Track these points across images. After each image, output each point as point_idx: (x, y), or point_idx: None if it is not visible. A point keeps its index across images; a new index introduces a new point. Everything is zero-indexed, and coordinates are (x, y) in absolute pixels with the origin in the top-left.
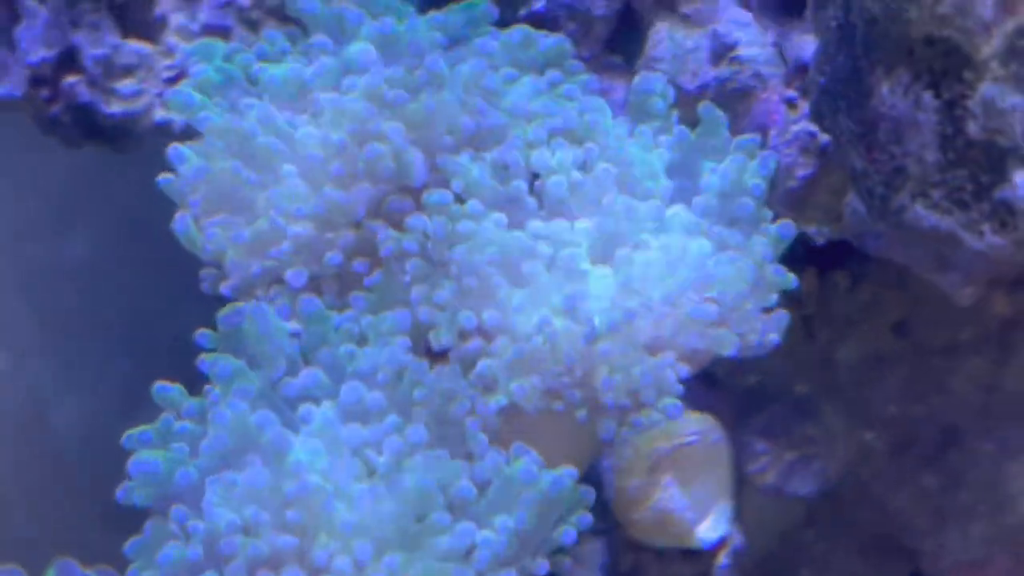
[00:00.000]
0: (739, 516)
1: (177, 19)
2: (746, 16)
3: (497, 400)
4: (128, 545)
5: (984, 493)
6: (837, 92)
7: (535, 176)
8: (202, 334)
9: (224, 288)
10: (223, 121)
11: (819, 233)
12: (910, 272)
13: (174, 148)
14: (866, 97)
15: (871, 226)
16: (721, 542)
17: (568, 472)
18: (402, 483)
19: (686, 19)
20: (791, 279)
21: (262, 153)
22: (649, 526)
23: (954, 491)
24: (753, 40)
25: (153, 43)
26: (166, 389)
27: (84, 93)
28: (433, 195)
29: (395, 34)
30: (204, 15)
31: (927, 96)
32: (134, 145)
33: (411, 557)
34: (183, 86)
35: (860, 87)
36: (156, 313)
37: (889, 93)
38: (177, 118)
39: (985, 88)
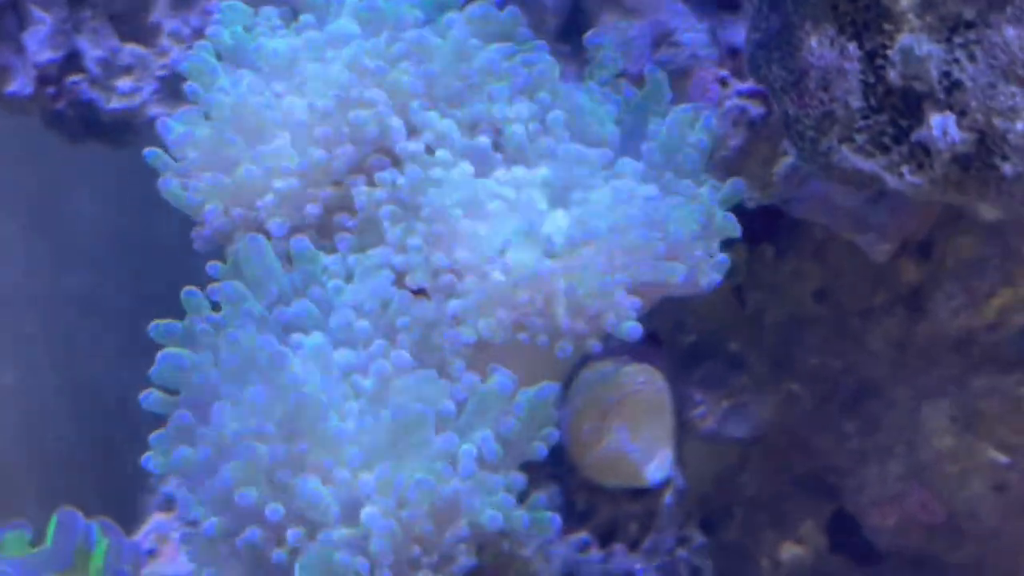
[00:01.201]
0: (680, 459)
1: (170, 24)
2: (683, 7)
3: (467, 334)
4: (152, 436)
5: (899, 434)
6: (771, 45)
7: (498, 133)
8: (212, 265)
9: (205, 231)
10: (230, 94)
11: (750, 199)
12: (828, 244)
13: (162, 121)
14: (797, 49)
15: (796, 188)
16: (666, 482)
17: (548, 387)
18: (389, 401)
19: (629, 12)
20: (737, 226)
21: (251, 118)
22: (602, 467)
23: (872, 434)
24: (689, 27)
25: (148, 46)
26: (192, 293)
27: (86, 91)
28: (407, 146)
29: (379, 9)
30: (194, 21)
31: (851, 46)
32: (131, 139)
33: (399, 464)
34: (199, 49)
35: (791, 40)
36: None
37: (817, 45)
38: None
39: (903, 38)
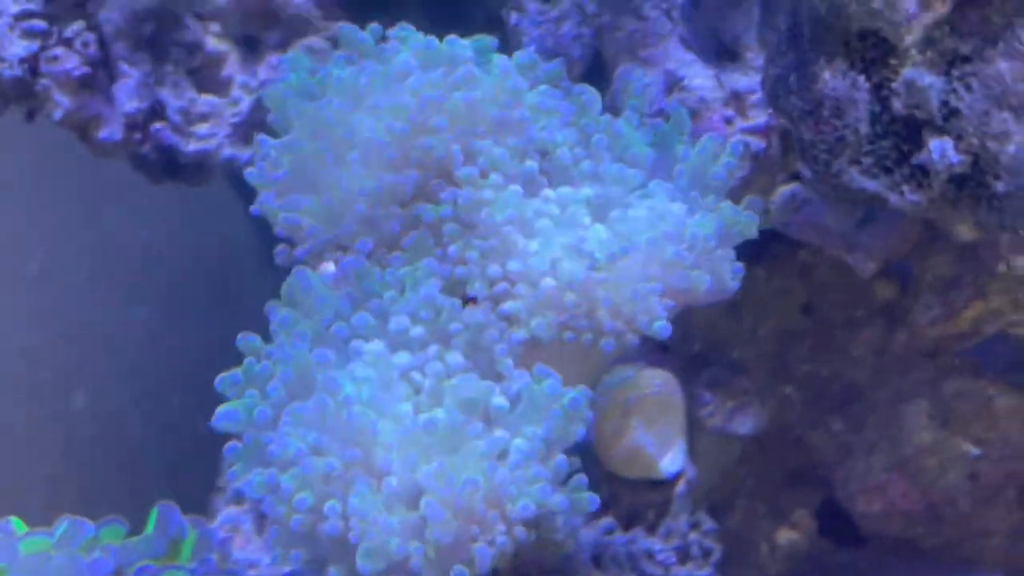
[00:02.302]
0: (691, 453)
1: (241, 79)
2: (691, 57)
3: (520, 333)
4: (227, 448)
5: (882, 431)
6: (789, 78)
7: (544, 157)
8: (271, 305)
9: (298, 252)
10: (312, 107)
11: None
12: (813, 264)
13: (261, 137)
14: (813, 81)
15: (791, 214)
16: (679, 474)
17: (584, 391)
18: (443, 400)
19: (644, 61)
20: (755, 227)
21: (337, 140)
22: (623, 460)
23: (858, 432)
24: (697, 74)
25: (222, 96)
26: (249, 338)
27: (168, 136)
28: (463, 171)
29: (436, 48)
30: (262, 74)
31: (861, 79)
32: (206, 179)
33: (453, 460)
34: (276, 86)
35: (808, 73)
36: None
37: (831, 77)
38: (241, 154)
39: (907, 71)
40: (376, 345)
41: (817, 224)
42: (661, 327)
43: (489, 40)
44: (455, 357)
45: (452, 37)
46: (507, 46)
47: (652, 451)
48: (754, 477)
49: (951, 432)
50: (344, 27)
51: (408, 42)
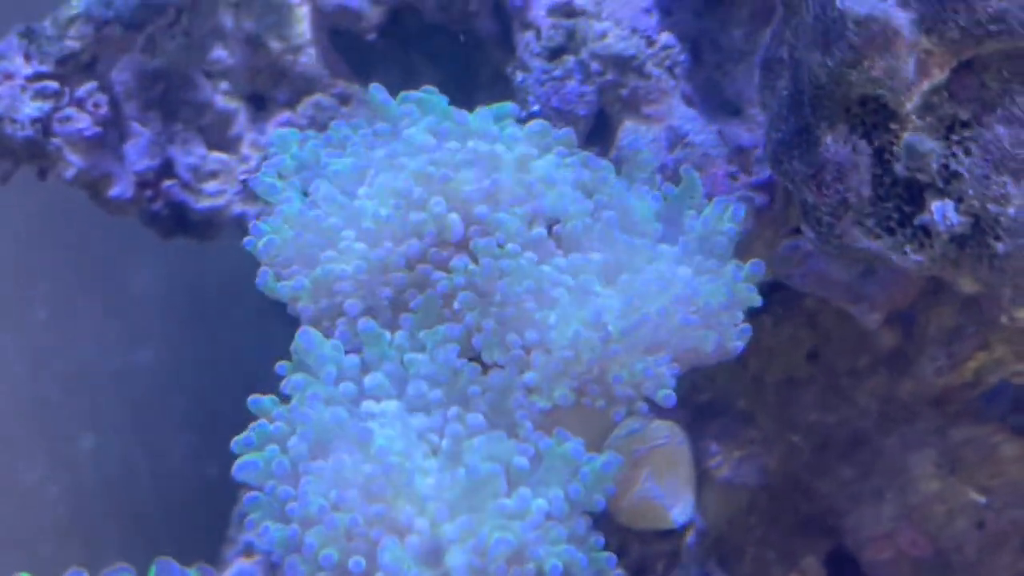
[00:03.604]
0: (700, 503)
1: (250, 136)
2: (693, 113)
3: (542, 402)
4: (246, 498)
5: (890, 479)
6: (792, 143)
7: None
8: (280, 365)
9: (302, 321)
10: (295, 210)
11: None
12: (819, 313)
13: (254, 225)
14: (815, 146)
15: (796, 266)
16: (688, 524)
17: (613, 459)
18: (466, 459)
19: (647, 118)
20: (757, 297)
21: (326, 229)
22: (633, 512)
23: (866, 479)
24: (700, 130)
25: (231, 154)
26: (259, 400)
27: (178, 193)
28: (481, 241)
29: (454, 120)
30: (270, 131)
31: (863, 143)
32: (215, 234)
33: (478, 518)
34: (264, 173)
35: (810, 138)
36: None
37: (833, 142)
38: (250, 211)
39: (907, 136)
40: (391, 405)
41: (821, 276)
42: (667, 396)
43: (509, 107)
44: (476, 418)
45: (483, 111)
46: (512, 102)
47: (662, 502)
48: (763, 526)
49: (958, 480)
50: (373, 88)
51: (425, 107)
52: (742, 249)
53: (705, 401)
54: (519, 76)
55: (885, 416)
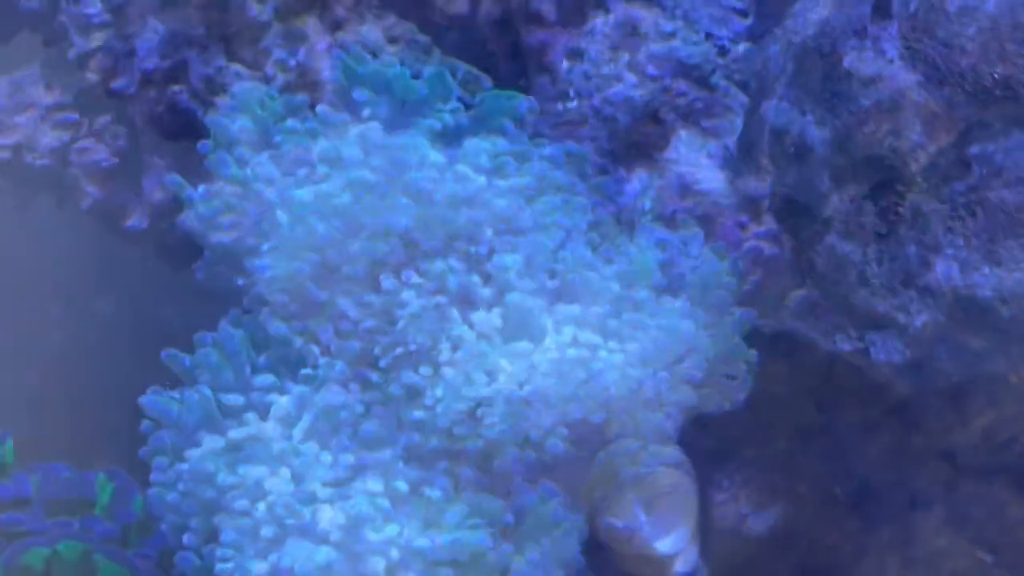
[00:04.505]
0: (704, 551)
1: (278, 54)
2: (706, 162)
3: (531, 455)
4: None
5: (895, 532)
6: (796, 199)
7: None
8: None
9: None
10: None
11: (766, 324)
12: (832, 363)
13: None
14: (821, 204)
15: (806, 316)
16: (676, 554)
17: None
18: (454, 511)
19: (705, 131)
20: (753, 352)
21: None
22: (612, 535)
23: (873, 532)
24: (711, 179)
25: (254, 69)
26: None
27: (186, 101)
28: (480, 318)
29: (383, 143)
30: (301, 54)
31: (867, 204)
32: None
33: (464, 570)
34: (223, 113)
35: (815, 196)
36: None
37: (839, 201)
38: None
39: (912, 197)
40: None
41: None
42: (672, 453)
43: (520, 101)
44: (468, 473)
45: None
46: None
47: (646, 532)
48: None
49: (966, 538)
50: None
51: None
52: (750, 300)
53: (712, 447)
54: (565, 64)
55: (894, 468)
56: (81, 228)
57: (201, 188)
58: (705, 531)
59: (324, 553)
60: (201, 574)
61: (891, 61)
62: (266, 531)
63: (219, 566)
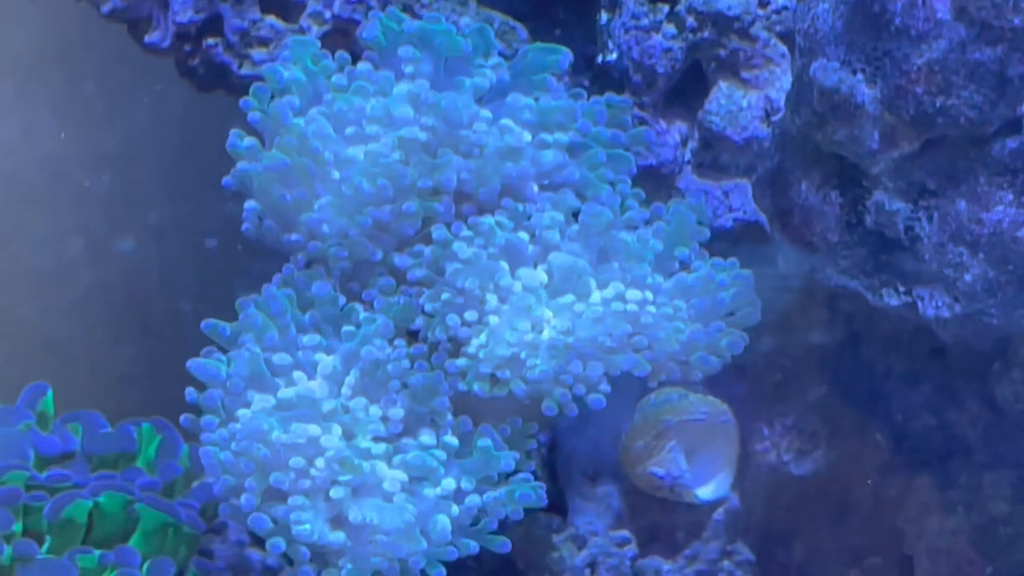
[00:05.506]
0: (740, 485)
1: (314, 6)
2: (747, 113)
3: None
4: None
5: (965, 495)
6: (768, 181)
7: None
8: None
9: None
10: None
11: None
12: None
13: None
14: (787, 188)
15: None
16: (717, 501)
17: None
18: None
19: (745, 82)
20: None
21: (303, 170)
22: (651, 482)
23: (914, 477)
24: (752, 129)
25: (289, 22)
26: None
27: (220, 55)
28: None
29: (435, 101)
30: (336, 7)
31: (834, 194)
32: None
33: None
34: (280, 63)
35: (785, 179)
36: None
37: (806, 188)
38: None
39: (877, 195)
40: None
41: None
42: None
43: (559, 58)
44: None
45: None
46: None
47: (685, 480)
48: (820, 519)
49: (1008, 483)
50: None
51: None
52: None
53: (776, 380)
54: (603, 16)
55: (992, 427)
56: None
57: (247, 140)
58: (745, 477)
59: (409, 512)
60: (273, 534)
61: (941, 20)
62: (335, 491)
63: (295, 529)
